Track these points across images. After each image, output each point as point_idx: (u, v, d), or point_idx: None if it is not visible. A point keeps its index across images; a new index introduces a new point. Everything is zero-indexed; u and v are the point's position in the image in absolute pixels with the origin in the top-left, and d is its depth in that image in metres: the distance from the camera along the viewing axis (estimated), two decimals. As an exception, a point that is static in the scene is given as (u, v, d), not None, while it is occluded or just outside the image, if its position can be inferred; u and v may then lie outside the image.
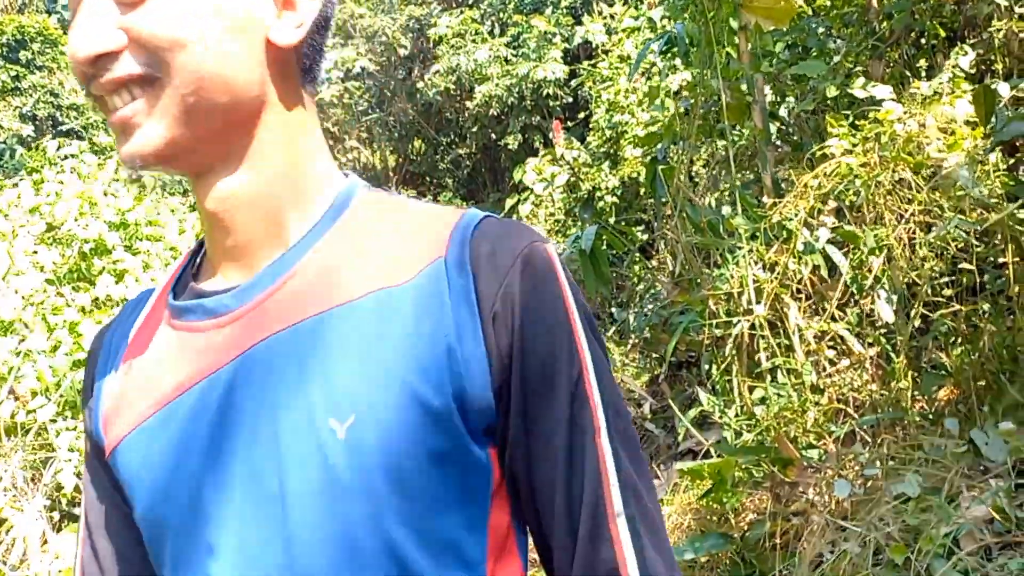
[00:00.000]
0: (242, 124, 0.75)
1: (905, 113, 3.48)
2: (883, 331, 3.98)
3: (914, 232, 3.62)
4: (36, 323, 3.80)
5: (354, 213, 0.80)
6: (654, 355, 6.86)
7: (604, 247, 5.20)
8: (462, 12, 14.40)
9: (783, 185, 4.77)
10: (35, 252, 4.67)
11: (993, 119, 2.62)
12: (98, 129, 17.41)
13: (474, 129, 14.76)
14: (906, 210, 3.62)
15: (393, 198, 0.83)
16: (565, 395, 0.72)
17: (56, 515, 3.79)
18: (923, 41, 5.06)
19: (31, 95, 16.91)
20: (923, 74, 4.87)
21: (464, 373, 0.69)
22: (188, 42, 0.69)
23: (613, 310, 8.85)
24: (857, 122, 3.77)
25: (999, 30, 4.04)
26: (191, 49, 0.69)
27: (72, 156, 5.74)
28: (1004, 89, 3.85)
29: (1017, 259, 2.97)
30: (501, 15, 14.77)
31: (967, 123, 3.27)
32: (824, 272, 4.04)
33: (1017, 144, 3.06)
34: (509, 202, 13.06)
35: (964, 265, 3.14)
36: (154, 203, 5.48)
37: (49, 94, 17.16)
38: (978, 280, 3.38)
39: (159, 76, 0.70)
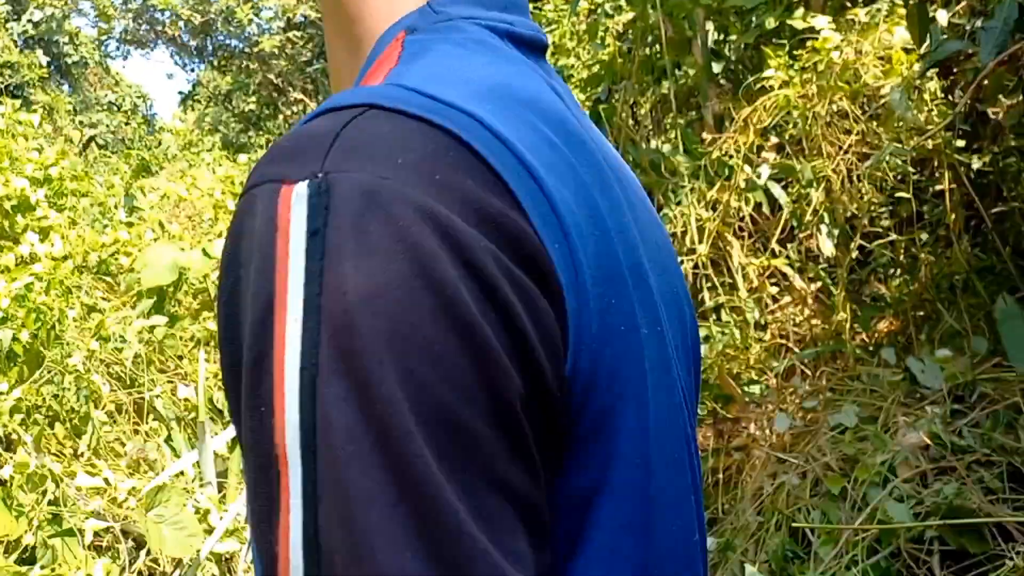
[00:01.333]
0: None
1: (843, 41, 3.41)
2: (824, 266, 3.96)
3: (853, 164, 3.58)
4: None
5: (363, 79, 0.56)
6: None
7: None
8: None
9: (725, 124, 4.71)
10: (-48, 211, 4.47)
11: (928, 39, 2.56)
12: (35, 87, 16.82)
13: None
14: (844, 141, 3.58)
15: (390, 60, 0.54)
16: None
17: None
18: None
19: (-42, 52, 16.24)
20: (861, 2, 4.80)
21: None
22: None
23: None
24: (795, 52, 3.70)
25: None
26: None
27: (9, 118, 5.50)
28: (942, 16, 3.79)
29: (954, 186, 2.94)
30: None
31: (904, 50, 3.21)
32: (766, 209, 4.00)
33: (953, 68, 3.01)
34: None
35: (902, 194, 3.10)
36: (94, 160, 5.28)
37: (-21, 51, 16.49)
38: (915, 209, 3.36)
39: None
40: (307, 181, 0.41)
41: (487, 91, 0.49)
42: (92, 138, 18.12)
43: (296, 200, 0.41)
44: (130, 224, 5.18)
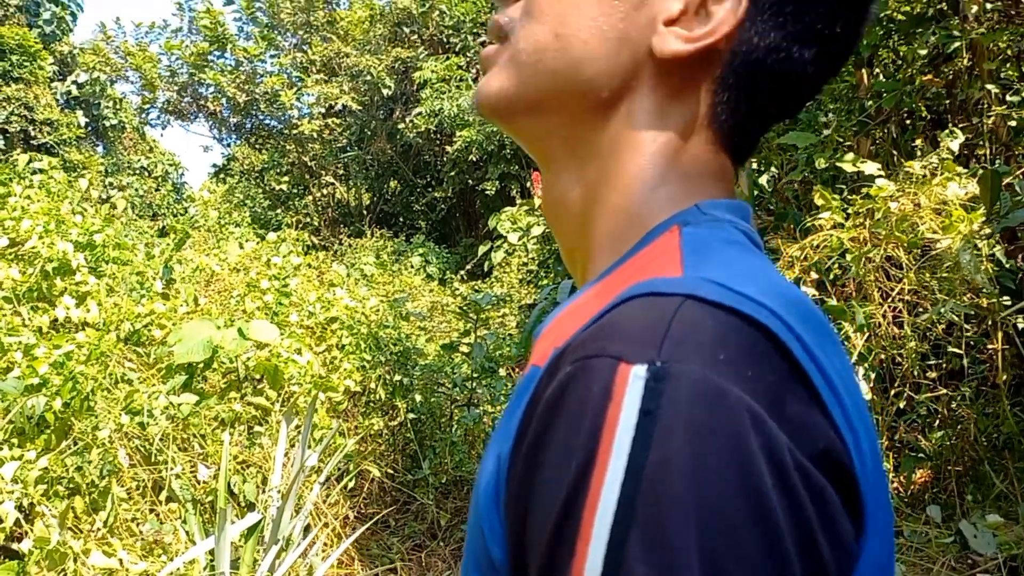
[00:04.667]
0: (578, 116, 0.66)
1: (898, 191, 3.47)
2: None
3: (899, 310, 3.59)
4: (-11, 342, 3.62)
5: (632, 262, 0.59)
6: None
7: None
8: (448, 57, 14.48)
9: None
10: (-5, 267, 4.49)
11: (998, 204, 2.60)
12: (71, 146, 17.18)
13: (452, 173, 14.77)
14: (892, 288, 3.60)
15: (671, 247, 0.57)
16: None
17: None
18: (908, 121, 5.11)
19: (5, 107, 16.65)
20: (908, 152, 4.91)
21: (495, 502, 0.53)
22: (537, 9, 0.65)
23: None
24: (848, 197, 3.76)
25: (989, 116, 4.07)
26: (549, 7, 0.65)
27: (42, 171, 5.58)
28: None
29: (1006, 347, 2.93)
30: (487, 63, 14.85)
31: (961, 205, 3.26)
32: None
33: (1016, 231, 3.05)
34: (482, 249, 13.02)
35: (952, 349, 3.09)
36: (124, 225, 5.33)
37: (23, 107, 16.92)
38: (961, 365, 3.34)
39: (512, 29, 0.67)
40: (645, 365, 0.45)
41: (773, 289, 0.52)
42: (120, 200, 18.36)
43: (633, 380, 0.45)
44: (166, 296, 5.20)
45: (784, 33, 0.60)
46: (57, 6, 19.92)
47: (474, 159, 13.94)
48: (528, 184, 13.22)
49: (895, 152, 4.86)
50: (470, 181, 14.75)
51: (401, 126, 15.09)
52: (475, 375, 6.78)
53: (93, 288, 4.68)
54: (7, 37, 16.77)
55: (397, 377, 6.26)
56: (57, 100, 18.89)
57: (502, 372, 7.61)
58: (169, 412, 3.94)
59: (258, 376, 4.72)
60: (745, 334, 0.47)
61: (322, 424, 4.85)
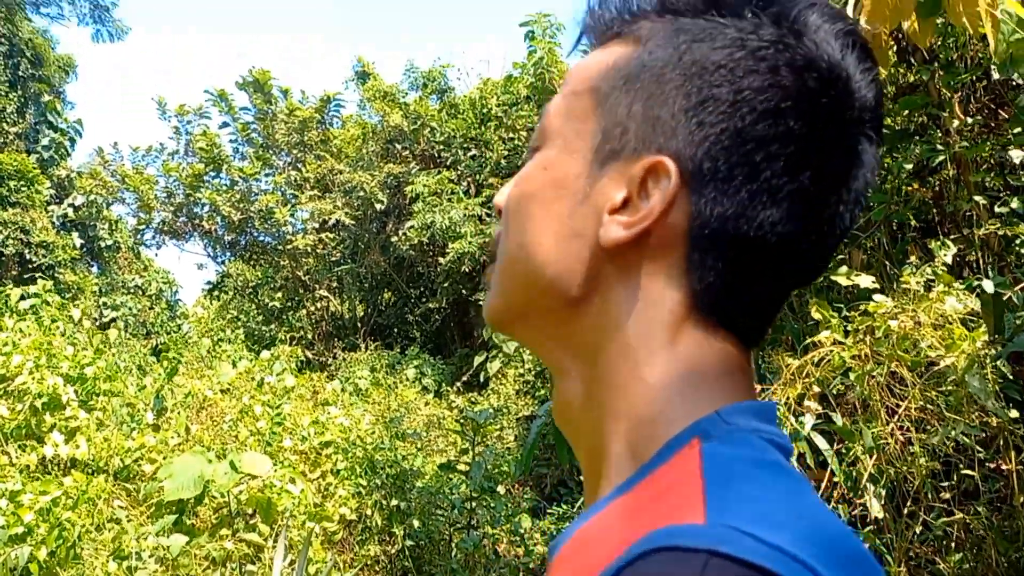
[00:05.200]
0: (560, 317, 0.64)
1: (896, 307, 3.45)
2: (872, 527, 3.81)
3: (907, 429, 3.52)
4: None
5: (651, 480, 0.55)
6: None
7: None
8: (440, 172, 14.75)
9: (763, 371, 4.71)
10: (-18, 405, 4.40)
11: (1004, 329, 2.58)
12: (66, 268, 17.27)
13: (445, 284, 14.84)
14: (898, 405, 3.54)
15: (689, 471, 0.53)
16: None
17: None
18: (898, 231, 5.16)
19: (1, 231, 16.81)
20: (899, 261, 4.93)
21: None
22: (513, 213, 0.67)
23: (582, 477, 8.57)
24: (846, 313, 3.74)
25: (980, 226, 4.11)
26: (512, 220, 0.67)
27: (35, 296, 5.55)
28: (988, 285, 3.87)
29: (1020, 466, 2.86)
30: (477, 176, 15.15)
31: (962, 322, 3.24)
32: (809, 460, 3.91)
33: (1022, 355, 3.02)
34: (477, 359, 12.96)
35: (967, 472, 3.02)
36: (117, 346, 5.28)
37: (20, 230, 17.08)
38: (975, 483, 3.25)
39: (497, 246, 0.69)
40: None
41: (808, 531, 0.48)
42: (114, 320, 18.37)
43: None
44: (156, 427, 5.10)
45: (740, 197, 0.58)
46: (56, 132, 20.37)
47: (467, 270, 14.02)
48: (522, 294, 13.27)
49: (888, 262, 4.88)
50: (464, 291, 14.80)
51: (394, 239, 15.24)
52: (474, 495, 6.62)
53: (83, 423, 4.59)
54: (6, 163, 17.08)
55: (394, 502, 6.10)
56: (53, 223, 19.10)
57: (501, 490, 7.44)
58: (158, 554, 3.80)
59: (250, 510, 4.59)
60: None
61: (317, 558, 4.68)
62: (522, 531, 6.96)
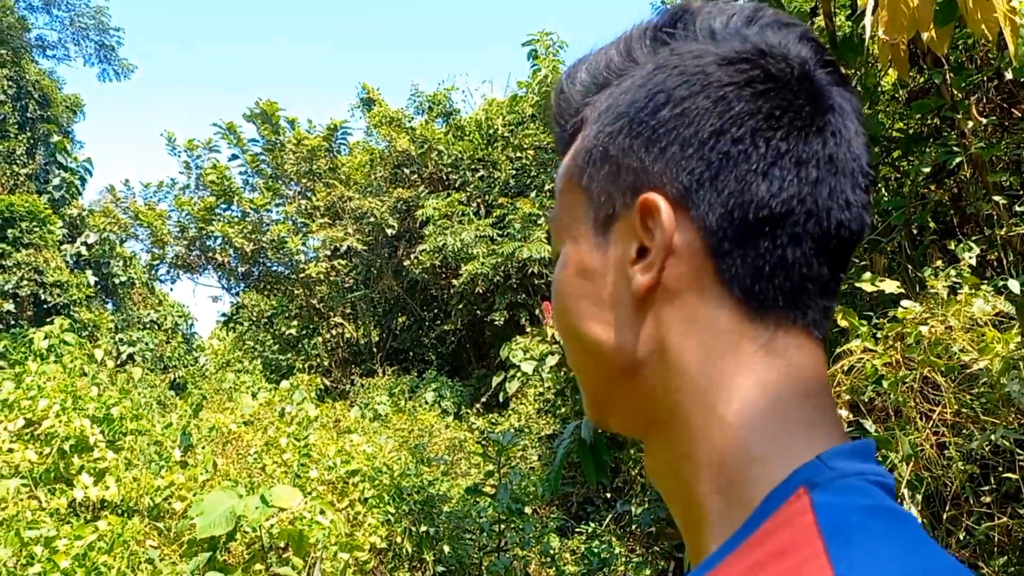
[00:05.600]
0: (627, 388, 0.66)
1: (924, 312, 3.43)
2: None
3: (942, 434, 3.49)
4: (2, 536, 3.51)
5: (763, 535, 0.53)
6: (657, 548, 6.52)
7: (601, 431, 5.03)
8: (449, 194, 14.79)
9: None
10: (10, 451, 4.41)
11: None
12: (81, 306, 17.37)
13: (459, 306, 14.85)
14: (931, 410, 3.51)
15: (805, 525, 0.51)
16: None
17: None
18: (918, 235, 5.13)
19: (15, 272, 16.93)
20: (921, 264, 4.91)
21: None
22: (559, 320, 0.70)
23: (609, 494, 8.55)
24: (876, 320, 3.72)
25: (1001, 226, 4.08)
26: (561, 325, 0.70)
27: (56, 338, 5.57)
28: (1014, 285, 3.84)
29: (1062, 468, 2.82)
30: (487, 197, 15.19)
31: (992, 324, 3.21)
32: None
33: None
34: (495, 380, 12.93)
35: (1007, 475, 2.98)
36: (141, 392, 5.30)
37: (34, 271, 17.21)
38: (1017, 486, 3.22)
39: None
40: None
41: None
42: (131, 355, 18.44)
43: None
44: (184, 464, 5.10)
45: (729, 190, 0.59)
46: (66, 172, 20.54)
47: (480, 291, 14.03)
48: (537, 312, 13.26)
49: (910, 266, 4.85)
50: (478, 312, 14.80)
51: (406, 263, 15.28)
52: (502, 517, 6.58)
53: (111, 463, 4.60)
54: (17, 205, 17.22)
55: (423, 528, 6.08)
56: (67, 262, 19.24)
57: (528, 511, 7.40)
58: (193, 593, 3.79)
59: (282, 543, 4.58)
60: None
61: (350, 589, 4.66)
62: (552, 552, 6.92)
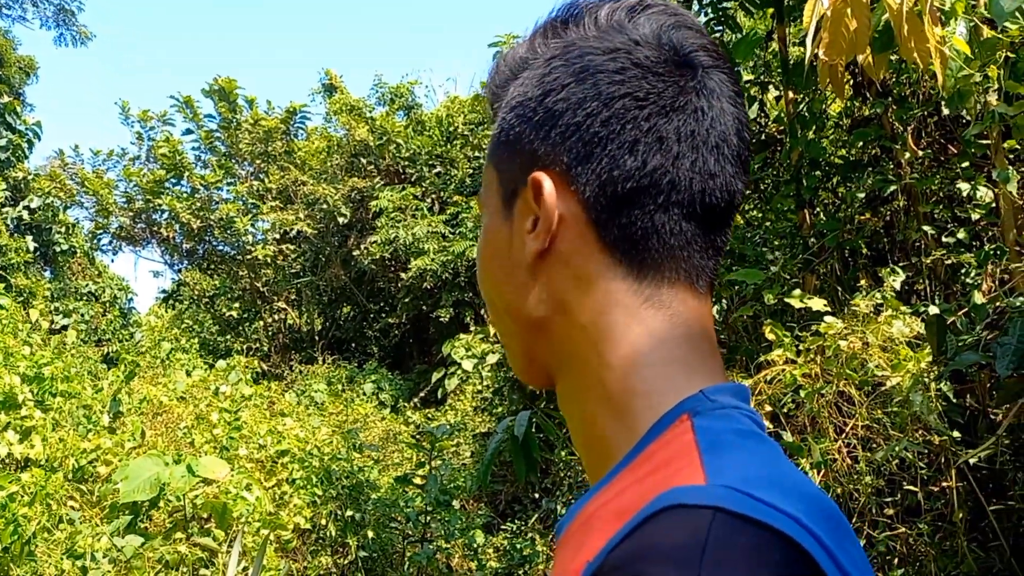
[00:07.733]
0: (532, 331, 0.75)
1: (846, 328, 3.58)
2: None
3: (853, 447, 3.64)
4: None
5: (647, 456, 0.61)
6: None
7: (534, 431, 5.10)
8: (404, 188, 14.79)
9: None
10: (-66, 403, 4.35)
11: (946, 349, 2.71)
12: (18, 271, 16.94)
13: (406, 300, 14.83)
14: (845, 423, 3.66)
15: (685, 442, 0.59)
16: None
17: None
18: (850, 258, 5.33)
19: (-48, 232, 16.46)
20: (851, 287, 5.10)
21: None
22: (481, 284, 0.80)
23: (537, 494, 8.63)
24: (799, 334, 3.87)
25: (928, 255, 4.27)
26: (483, 289, 0.80)
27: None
28: (934, 310, 4.02)
29: (960, 483, 2.99)
30: (442, 194, 15.21)
31: (907, 344, 3.37)
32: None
33: (964, 372, 3.16)
34: (435, 376, 12.95)
35: (908, 487, 3.14)
36: (74, 356, 5.23)
37: (-30, 232, 16.74)
38: (917, 501, 3.38)
39: None
40: None
41: (792, 489, 0.55)
42: (65, 327, 18.02)
43: None
44: (112, 430, 5.06)
45: (603, 164, 0.68)
46: (14, 134, 20.01)
47: (428, 286, 14.04)
48: (483, 311, 13.32)
49: (839, 287, 5.04)
50: (424, 308, 14.81)
51: (356, 253, 15.22)
52: (429, 509, 6.63)
53: (39, 422, 4.55)
54: (-41, 164, 16.74)
55: (349, 512, 6.10)
56: (7, 225, 18.73)
57: (456, 504, 7.45)
58: (112, 555, 3.77)
59: (205, 515, 4.57)
60: (776, 550, 0.49)
61: (271, 565, 4.67)
62: (475, 546, 6.98)
